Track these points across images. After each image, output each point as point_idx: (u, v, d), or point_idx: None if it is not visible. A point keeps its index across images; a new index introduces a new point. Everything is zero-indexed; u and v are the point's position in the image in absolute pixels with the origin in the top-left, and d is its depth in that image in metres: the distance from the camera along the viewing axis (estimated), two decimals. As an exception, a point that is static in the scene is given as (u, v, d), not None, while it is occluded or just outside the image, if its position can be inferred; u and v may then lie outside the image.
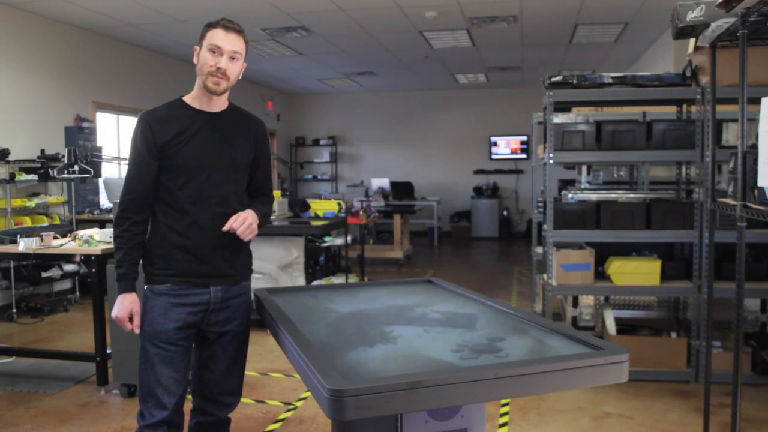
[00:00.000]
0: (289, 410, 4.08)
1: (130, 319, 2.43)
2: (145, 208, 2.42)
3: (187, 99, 2.46)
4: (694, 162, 4.88)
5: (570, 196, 5.39)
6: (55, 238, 4.72)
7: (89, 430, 3.79)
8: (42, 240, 4.60)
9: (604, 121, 4.75)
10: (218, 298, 2.46)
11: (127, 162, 2.44)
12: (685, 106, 5.15)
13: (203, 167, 2.40)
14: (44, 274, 6.74)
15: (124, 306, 2.41)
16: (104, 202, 8.02)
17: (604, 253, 4.73)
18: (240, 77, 2.45)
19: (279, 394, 4.38)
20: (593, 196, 5.31)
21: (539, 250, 6.22)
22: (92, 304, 4.47)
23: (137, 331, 2.43)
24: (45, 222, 6.91)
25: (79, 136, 7.59)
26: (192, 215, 2.40)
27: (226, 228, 2.37)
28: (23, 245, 4.52)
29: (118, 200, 2.42)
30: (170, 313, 2.40)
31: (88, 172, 5.24)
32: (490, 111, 13.64)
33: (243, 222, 2.38)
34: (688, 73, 4.61)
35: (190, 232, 2.40)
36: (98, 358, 4.47)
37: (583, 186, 6.90)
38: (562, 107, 5.71)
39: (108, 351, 4.46)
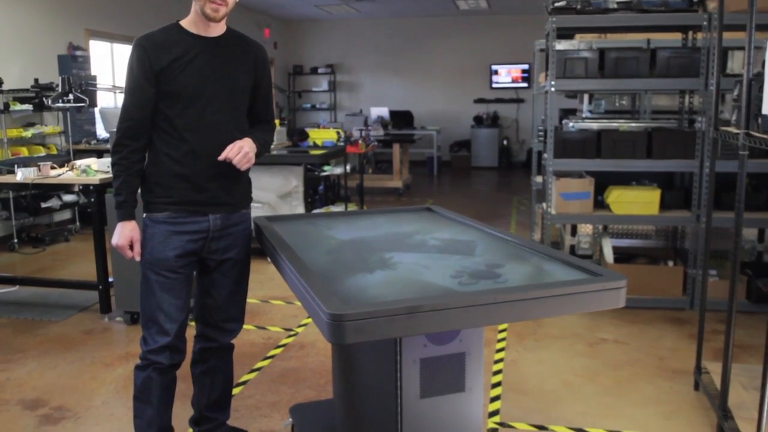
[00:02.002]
0: (290, 336, 4.16)
1: (131, 247, 2.43)
2: (142, 136, 2.37)
3: (184, 24, 2.38)
4: (697, 91, 4.82)
5: (571, 125, 5.34)
6: (52, 168, 4.70)
7: (94, 356, 3.87)
8: (39, 170, 4.58)
9: (608, 49, 4.65)
10: (217, 226, 2.45)
11: (123, 90, 2.38)
12: (690, 34, 5.04)
13: (201, 94, 2.35)
14: (43, 205, 6.75)
15: (124, 234, 2.40)
16: (101, 132, 7.95)
17: (603, 182, 4.71)
18: (237, 0, 2.38)
19: (280, 320, 4.45)
20: (594, 125, 5.26)
21: (539, 179, 6.21)
22: (92, 234, 4.49)
23: (138, 258, 2.43)
24: (42, 152, 6.87)
25: (73, 65, 7.45)
26: (190, 142, 2.36)
27: (221, 157, 2.34)
28: (21, 175, 4.50)
29: (115, 128, 2.37)
30: (170, 240, 2.40)
31: (83, 101, 5.16)
32: (492, 38, 13.37)
33: (239, 151, 2.34)
34: (695, -1, 4.49)
35: (187, 160, 2.37)
36: (100, 287, 4.53)
37: (584, 115, 6.82)
38: (565, 34, 5.58)
39: (110, 279, 4.51)
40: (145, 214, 2.43)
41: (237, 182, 2.50)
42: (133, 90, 2.33)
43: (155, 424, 2.49)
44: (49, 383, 3.51)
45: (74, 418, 3.13)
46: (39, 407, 3.24)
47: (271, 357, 3.83)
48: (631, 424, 3.02)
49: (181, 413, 3.12)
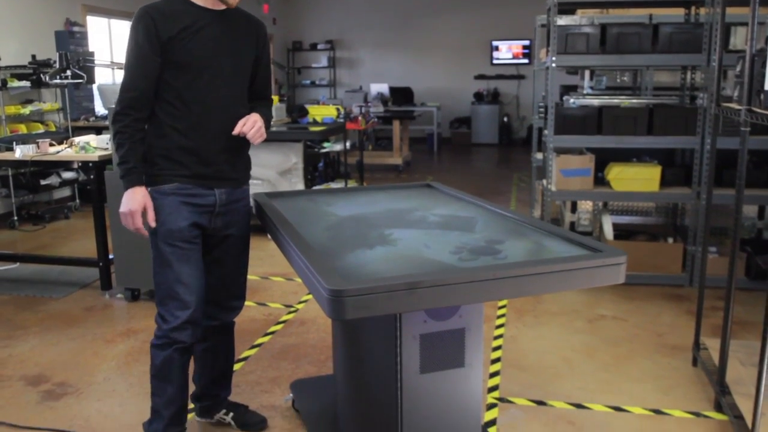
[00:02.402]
0: (290, 312, 4.17)
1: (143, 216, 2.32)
2: (146, 107, 2.31)
3: None
4: (699, 67, 4.78)
5: (572, 101, 5.32)
6: (51, 145, 4.68)
7: (96, 332, 3.88)
8: (38, 147, 4.57)
9: (609, 24, 4.61)
10: (222, 200, 2.43)
11: (124, 62, 2.30)
12: (693, 9, 4.99)
13: (209, 65, 2.31)
14: (43, 182, 6.74)
15: (136, 199, 2.28)
16: (99, 108, 7.90)
17: (604, 158, 4.70)
18: None
19: (280, 297, 4.47)
20: (595, 102, 5.24)
21: (539, 155, 6.19)
22: (92, 211, 4.49)
23: (153, 224, 2.32)
24: (40, 129, 6.85)
25: (70, 41, 7.39)
26: (198, 115, 2.32)
27: (236, 131, 2.32)
28: (20, 152, 4.49)
29: (117, 99, 2.28)
30: (180, 211, 2.35)
31: (80, 77, 5.14)
32: (492, 14, 13.23)
33: (253, 125, 2.32)
34: (699, -28, 4.44)
35: (194, 133, 2.33)
36: (101, 264, 4.53)
37: (585, 91, 6.79)
38: (567, 9, 5.54)
39: (110, 256, 4.51)
40: (149, 188, 2.35)
41: (241, 157, 2.49)
42: (137, 59, 2.26)
43: (177, 402, 2.46)
44: (50, 359, 3.53)
45: (76, 393, 3.15)
46: (41, 383, 3.26)
47: (272, 333, 3.84)
48: (629, 400, 3.04)
49: (183, 389, 3.14)
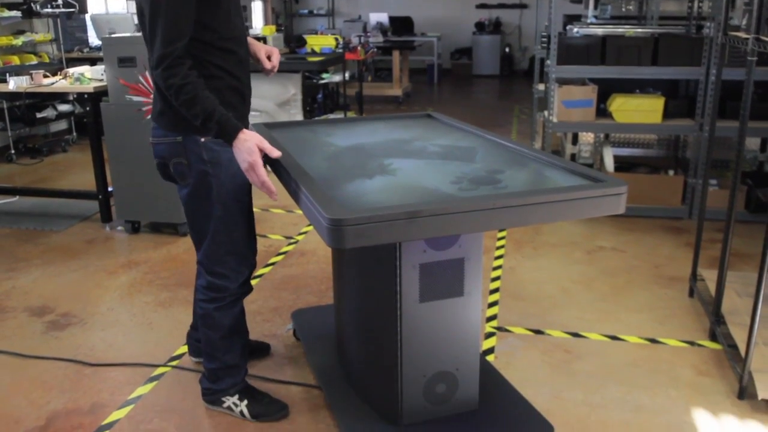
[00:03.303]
0: (290, 244, 4.20)
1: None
2: (189, 53, 2.04)
3: None
4: (707, -7, 4.66)
5: (575, 30, 5.19)
6: (45, 76, 4.61)
7: (97, 264, 3.91)
8: (32, 78, 4.50)
9: (616, -52, 4.47)
10: None
11: (155, 11, 1.97)
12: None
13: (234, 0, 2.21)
14: (39, 115, 6.66)
15: (250, 147, 1.97)
16: (93, 39, 7.75)
17: (607, 90, 4.63)
18: None
19: (280, 228, 4.48)
20: (599, 31, 5.11)
21: (541, 86, 6.11)
22: (90, 144, 4.45)
23: (276, 155, 2.01)
24: (34, 60, 6.73)
25: (61, -32, 7.18)
26: (236, 53, 2.20)
27: (269, 67, 2.32)
28: (13, 84, 4.42)
29: (160, 54, 1.96)
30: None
31: (72, 6, 5.02)
32: (495, -60, 12.84)
33: (279, 56, 2.30)
34: None
35: (238, 71, 2.22)
36: (100, 196, 4.53)
37: (589, 21, 6.63)
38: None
39: (109, 189, 4.50)
40: (203, 139, 2.15)
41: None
42: (178, 4, 1.98)
43: (244, 345, 2.47)
44: (54, 291, 3.56)
45: (80, 324, 3.20)
46: (45, 314, 3.30)
47: (272, 264, 3.87)
48: (625, 329, 3.08)
49: (186, 319, 3.18)
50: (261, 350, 2.87)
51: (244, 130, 1.99)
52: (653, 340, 2.98)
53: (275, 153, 1.98)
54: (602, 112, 4.60)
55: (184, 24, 1.99)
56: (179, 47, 1.97)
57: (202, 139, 2.14)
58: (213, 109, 1.97)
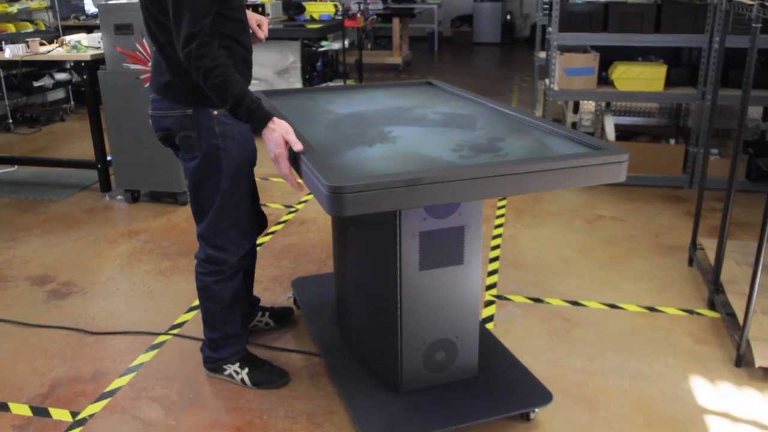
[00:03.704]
0: (290, 213, 4.19)
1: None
2: (213, 29, 1.97)
3: None
4: (712, -42, 4.59)
5: (578, -3, 5.13)
6: (41, 44, 4.56)
7: (97, 233, 3.91)
8: (28, 46, 4.46)
9: None
10: None
11: None
12: None
13: None
14: (36, 84, 6.61)
15: (276, 139, 1.89)
16: (89, 7, 7.66)
17: (609, 57, 4.59)
18: None
19: (280, 197, 4.47)
20: (602, -3, 5.05)
21: (542, 54, 6.05)
22: (87, 113, 4.42)
23: (299, 147, 1.87)
24: (29, 28, 6.66)
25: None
26: (244, 22, 2.17)
27: (262, 37, 2.32)
28: (9, 52, 4.38)
29: (188, 33, 1.87)
30: (251, 133, 2.17)
31: (68, -29, 4.94)
32: None
33: (268, 24, 2.29)
34: None
35: (246, 40, 2.18)
36: (99, 166, 4.51)
37: (591, -13, 6.54)
38: None
39: (108, 158, 4.49)
40: (216, 111, 2.11)
41: None
42: None
43: (244, 315, 2.49)
44: (54, 260, 3.57)
45: (81, 292, 3.21)
46: (46, 283, 3.31)
47: (272, 233, 3.87)
48: (624, 297, 3.10)
49: (186, 288, 3.20)
50: (286, 316, 2.88)
51: (274, 119, 1.91)
52: (652, 309, 2.99)
53: (298, 146, 1.86)
54: (604, 80, 4.56)
55: (211, 1, 1.92)
56: (206, 23, 1.90)
57: (215, 112, 2.10)
58: (243, 95, 1.90)
